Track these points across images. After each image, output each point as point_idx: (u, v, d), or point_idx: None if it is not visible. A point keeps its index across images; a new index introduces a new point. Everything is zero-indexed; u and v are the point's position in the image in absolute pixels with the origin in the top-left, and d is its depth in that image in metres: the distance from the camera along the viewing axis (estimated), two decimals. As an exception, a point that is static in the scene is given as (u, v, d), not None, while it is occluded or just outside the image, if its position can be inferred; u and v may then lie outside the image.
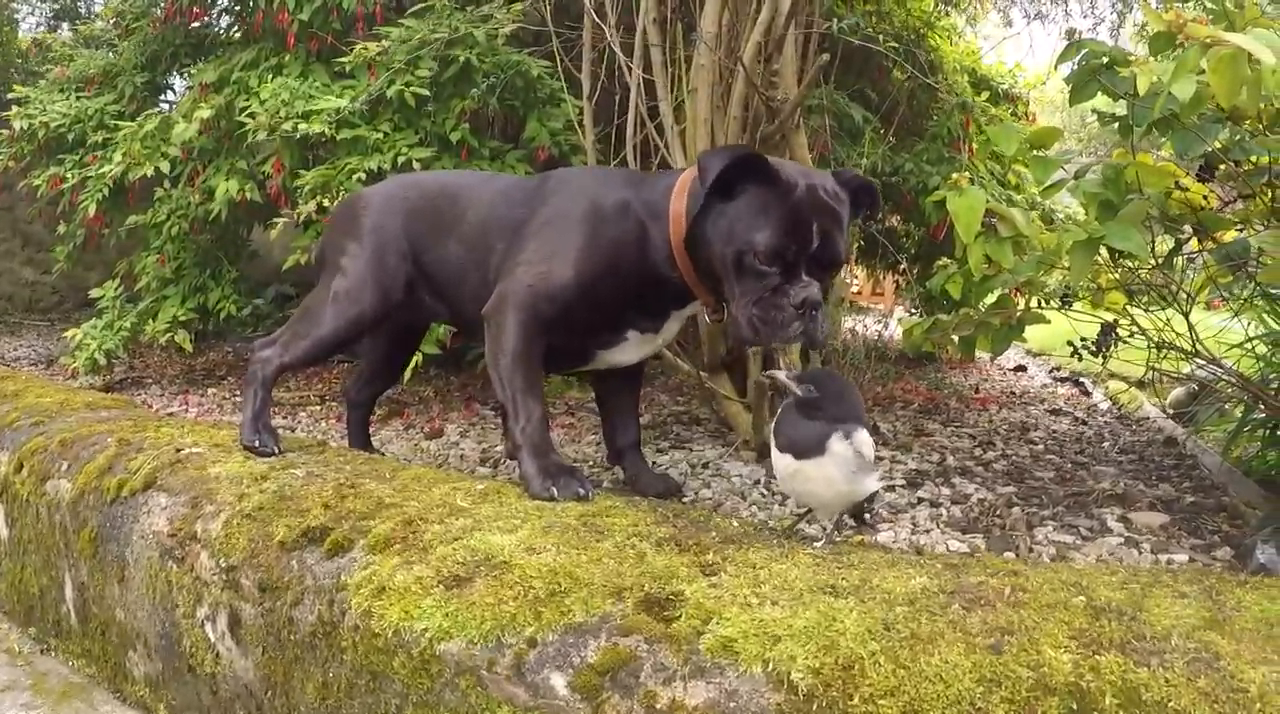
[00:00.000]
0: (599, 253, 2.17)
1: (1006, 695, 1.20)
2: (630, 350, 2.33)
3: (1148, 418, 4.30)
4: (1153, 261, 2.61)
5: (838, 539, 1.80)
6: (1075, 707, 1.18)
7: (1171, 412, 4.41)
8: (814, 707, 1.23)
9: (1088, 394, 5.22)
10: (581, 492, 1.93)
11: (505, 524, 1.71)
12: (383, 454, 2.74)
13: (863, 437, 1.68)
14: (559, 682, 1.39)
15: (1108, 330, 2.74)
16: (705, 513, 1.92)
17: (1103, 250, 2.41)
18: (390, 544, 1.70)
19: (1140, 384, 4.99)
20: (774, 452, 1.75)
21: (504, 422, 2.22)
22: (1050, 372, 6.07)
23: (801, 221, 1.98)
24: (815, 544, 1.70)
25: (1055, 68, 2.47)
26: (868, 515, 2.23)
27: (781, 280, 1.98)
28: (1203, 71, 1.85)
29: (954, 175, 2.42)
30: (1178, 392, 4.61)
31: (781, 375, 1.77)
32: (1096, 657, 1.23)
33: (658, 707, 1.31)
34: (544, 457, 2.04)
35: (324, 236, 2.67)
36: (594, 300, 2.18)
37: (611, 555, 1.57)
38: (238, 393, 4.31)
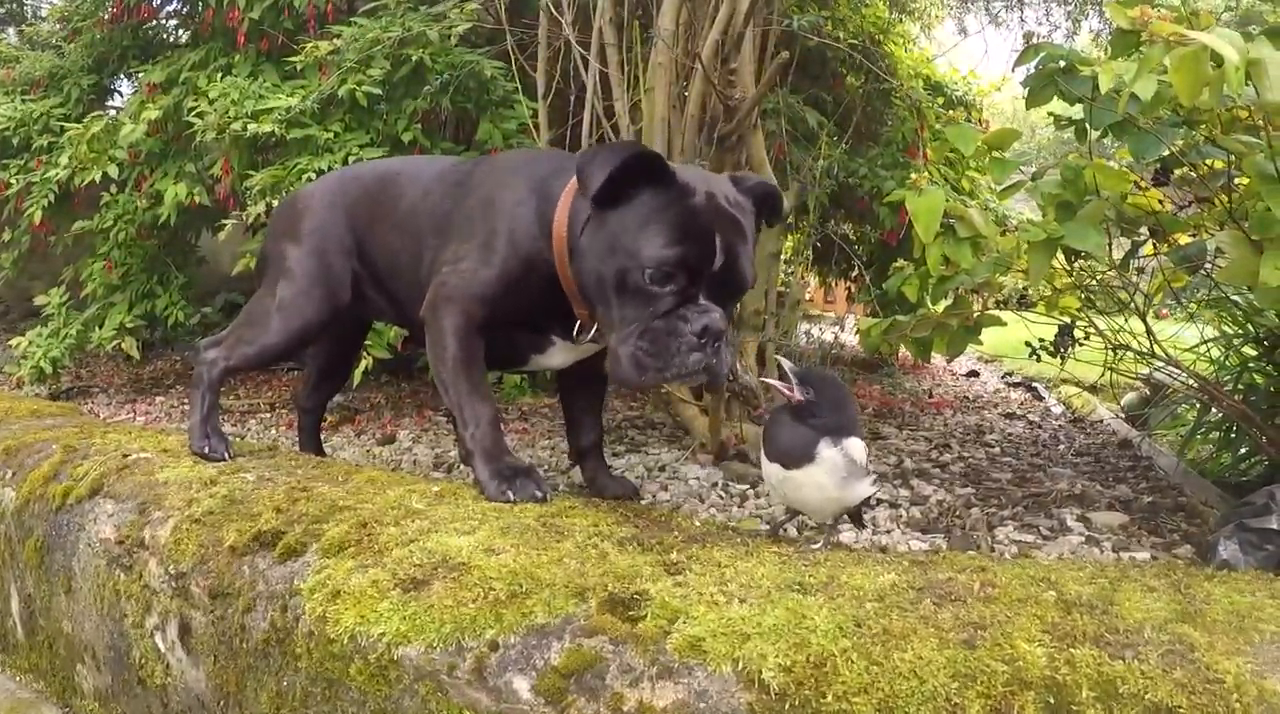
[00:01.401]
0: (518, 251, 1.99)
1: (982, 690, 1.18)
2: (559, 355, 2.19)
3: (1101, 421, 4.32)
4: (1109, 263, 2.63)
5: (834, 541, 1.76)
6: (1052, 701, 1.17)
7: (1125, 415, 4.44)
8: (786, 705, 1.21)
9: (1041, 398, 5.25)
10: (538, 494, 1.87)
11: (462, 525, 1.67)
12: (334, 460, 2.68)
13: (854, 443, 1.63)
14: (522, 685, 1.35)
15: (1066, 331, 2.75)
16: (666, 513, 1.89)
17: (1059, 253, 2.42)
18: (344, 547, 1.65)
19: (1093, 388, 5.04)
20: (764, 460, 1.69)
21: (455, 427, 2.14)
22: (1003, 377, 6.10)
23: (701, 232, 1.71)
24: (813, 545, 1.66)
25: (1013, 70, 2.48)
26: (865, 514, 2.19)
27: (675, 304, 1.72)
28: (1164, 71, 1.86)
29: (913, 176, 2.42)
30: (1130, 396, 4.66)
31: (776, 381, 1.68)
32: (1071, 650, 1.22)
33: (625, 709, 1.27)
34: (497, 460, 1.95)
35: (266, 238, 2.59)
36: (515, 302, 2.03)
37: (573, 555, 1.53)
38: (186, 402, 4.23)
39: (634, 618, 1.36)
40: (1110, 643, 1.23)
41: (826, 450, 1.61)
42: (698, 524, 1.79)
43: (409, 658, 1.43)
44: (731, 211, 1.78)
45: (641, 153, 1.75)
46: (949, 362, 5.26)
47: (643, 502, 2.45)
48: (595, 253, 1.77)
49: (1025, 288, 2.77)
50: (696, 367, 1.71)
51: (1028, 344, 2.78)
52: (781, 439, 1.65)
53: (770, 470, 1.67)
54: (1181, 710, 1.13)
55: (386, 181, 2.39)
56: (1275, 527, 1.98)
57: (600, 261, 1.76)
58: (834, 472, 1.61)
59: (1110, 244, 2.54)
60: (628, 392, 4.05)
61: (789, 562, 1.50)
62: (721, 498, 2.58)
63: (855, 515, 1.88)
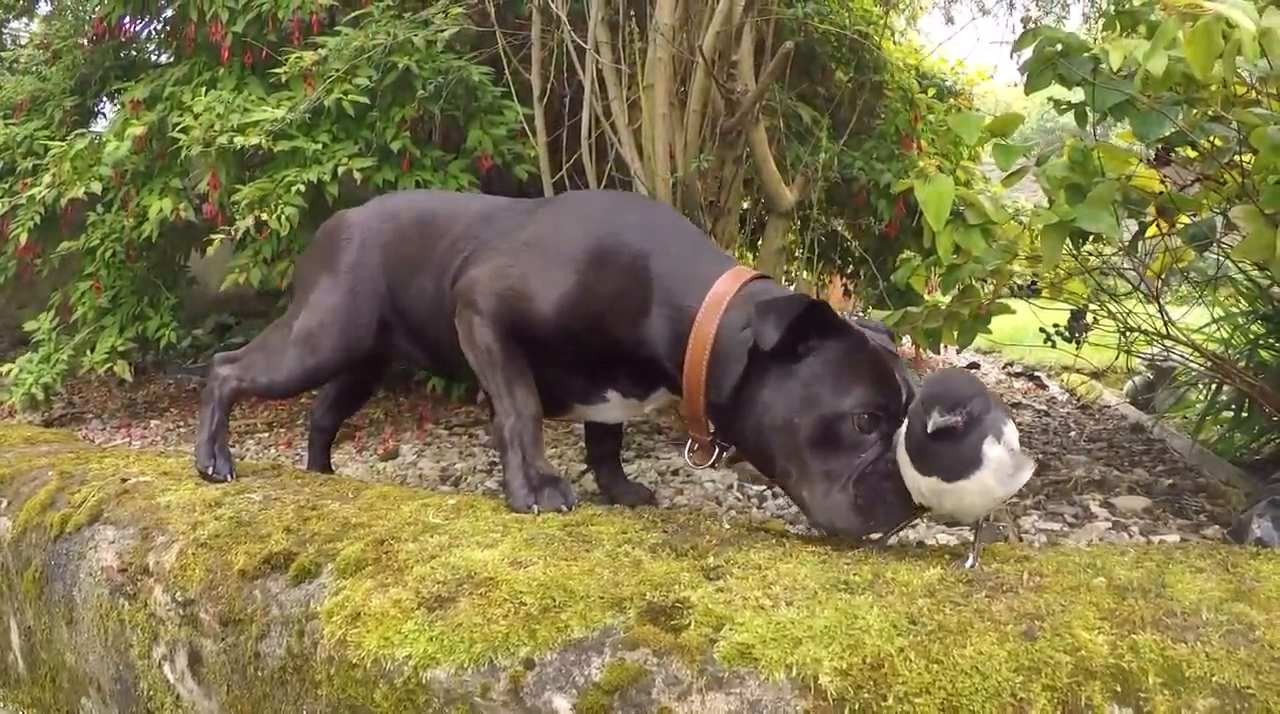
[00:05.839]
0: (590, 301, 1.91)
1: (1047, 683, 1.14)
2: (611, 411, 2.11)
3: (1109, 406, 4.29)
4: (1121, 244, 2.60)
5: (987, 542, 1.56)
6: (1119, 689, 1.14)
7: (1129, 401, 4.42)
8: (846, 711, 1.15)
9: (1044, 387, 5.21)
10: (563, 507, 1.80)
11: (484, 538, 1.60)
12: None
13: (1011, 430, 1.44)
14: (563, 704, 1.28)
15: (1078, 316, 2.71)
16: (693, 515, 1.82)
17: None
18: (362, 566, 1.59)
19: (1096, 375, 5.01)
20: (912, 473, 1.50)
21: (490, 411, 2.05)
22: (1003, 367, 6.06)
23: (889, 374, 1.70)
24: (965, 564, 1.45)
25: (1012, 56, 2.44)
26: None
27: (881, 449, 1.65)
28: (1170, 47, 1.85)
29: (921, 163, 2.38)
30: (1132, 382, 4.64)
31: (936, 418, 1.41)
32: (1132, 636, 1.19)
33: (673, 724, 1.21)
34: (531, 464, 1.88)
35: (302, 258, 2.50)
36: (571, 351, 1.96)
37: (605, 565, 1.47)
38: (182, 425, 4.17)
39: (677, 627, 1.29)
40: (1170, 626, 1.20)
41: (992, 450, 1.41)
42: (727, 526, 1.72)
43: (438, 680, 1.36)
44: (893, 348, 1.83)
45: (815, 303, 1.72)
46: (959, 352, 5.21)
47: (660, 507, 2.40)
48: (783, 406, 1.71)
49: (1033, 275, 2.72)
50: (910, 511, 1.64)
51: (1042, 330, 2.74)
52: (938, 451, 1.44)
53: (925, 484, 1.48)
54: (1251, 691, 1.11)
55: (424, 223, 2.29)
56: (1309, 503, 1.96)
57: (794, 414, 1.69)
58: (1001, 470, 1.42)
59: (1118, 224, 2.51)
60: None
61: (830, 560, 1.45)
62: (739, 499, 2.52)
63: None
